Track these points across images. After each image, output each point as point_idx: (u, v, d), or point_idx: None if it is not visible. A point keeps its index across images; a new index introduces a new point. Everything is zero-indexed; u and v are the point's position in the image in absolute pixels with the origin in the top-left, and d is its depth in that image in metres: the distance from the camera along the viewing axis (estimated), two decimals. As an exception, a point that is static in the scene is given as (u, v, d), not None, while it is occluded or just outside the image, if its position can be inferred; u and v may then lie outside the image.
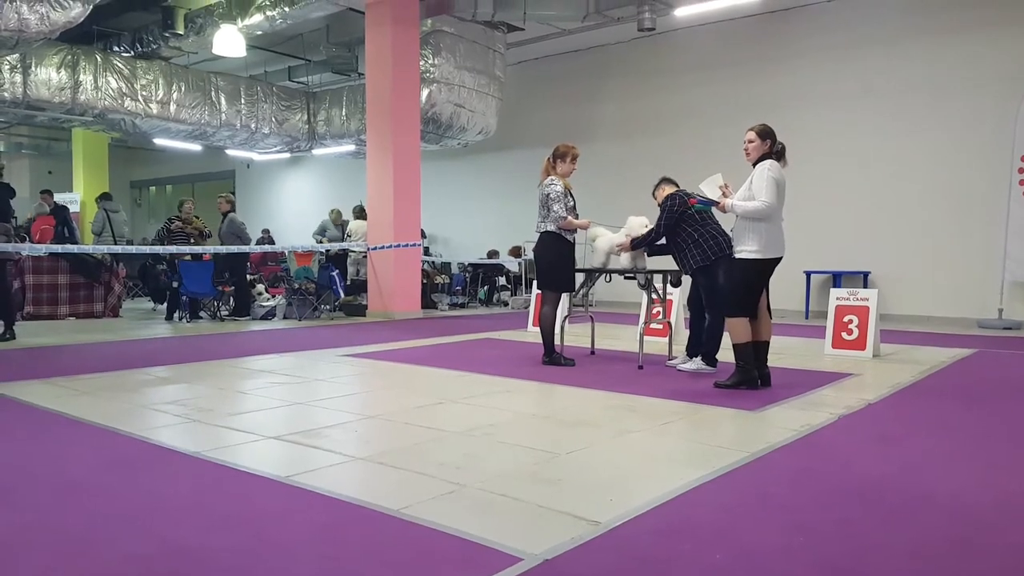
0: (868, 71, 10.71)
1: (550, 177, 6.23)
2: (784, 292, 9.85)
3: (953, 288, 10.06)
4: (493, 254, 14.20)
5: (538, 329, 8.65)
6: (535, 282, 6.85)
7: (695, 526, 2.58)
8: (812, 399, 4.82)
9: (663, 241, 6.02)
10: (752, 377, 5.07)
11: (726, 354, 5.48)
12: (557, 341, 6.83)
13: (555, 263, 6.20)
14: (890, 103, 10.55)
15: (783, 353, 6.71)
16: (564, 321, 7.01)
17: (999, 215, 9.59)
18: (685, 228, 5.82)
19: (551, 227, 6.12)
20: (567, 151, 6.26)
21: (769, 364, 5.27)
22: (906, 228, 10.42)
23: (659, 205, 6.16)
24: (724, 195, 5.15)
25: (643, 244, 6.08)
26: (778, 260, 5.06)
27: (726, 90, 11.97)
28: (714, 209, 5.32)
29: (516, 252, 13.72)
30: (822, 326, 7.41)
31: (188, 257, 10.11)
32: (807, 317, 10.87)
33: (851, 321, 6.88)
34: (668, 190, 6.11)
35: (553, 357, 6.23)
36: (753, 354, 5.09)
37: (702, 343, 5.92)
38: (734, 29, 11.84)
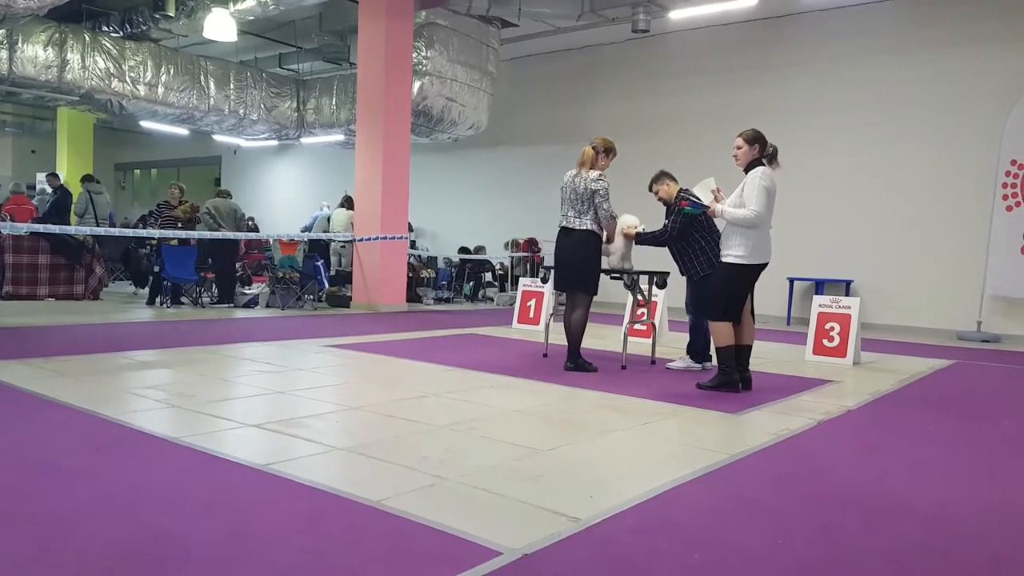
0: (856, 82, 10.80)
1: (596, 172, 5.72)
2: (767, 298, 9.92)
3: (934, 299, 10.18)
4: (480, 249, 14.18)
5: (524, 327, 8.74)
6: (552, 281, 6.11)
7: (674, 526, 2.59)
8: (792, 404, 4.86)
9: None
10: (733, 380, 5.10)
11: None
12: (542, 340, 6.87)
13: (593, 264, 5.81)
14: (877, 115, 10.64)
15: (764, 358, 6.75)
16: (550, 319, 7.02)
17: (981, 228, 9.71)
18: (693, 234, 5.88)
19: (591, 225, 5.71)
20: (613, 147, 5.87)
21: (751, 368, 5.31)
22: (890, 238, 10.53)
23: (659, 200, 6.16)
24: (716, 199, 5.17)
25: (650, 242, 6.06)
26: (764, 266, 5.09)
27: (718, 95, 12.02)
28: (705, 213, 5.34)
29: (528, 246, 13.58)
30: (804, 332, 7.47)
31: (174, 242, 10.02)
32: (789, 323, 10.95)
33: (833, 328, 6.94)
34: (672, 187, 6.09)
35: (579, 363, 5.81)
36: (735, 358, 5.12)
37: (701, 344, 6.06)
38: (728, 35, 11.89)
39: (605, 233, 5.85)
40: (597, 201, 5.67)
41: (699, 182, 5.31)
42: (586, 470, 3.23)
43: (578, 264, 5.78)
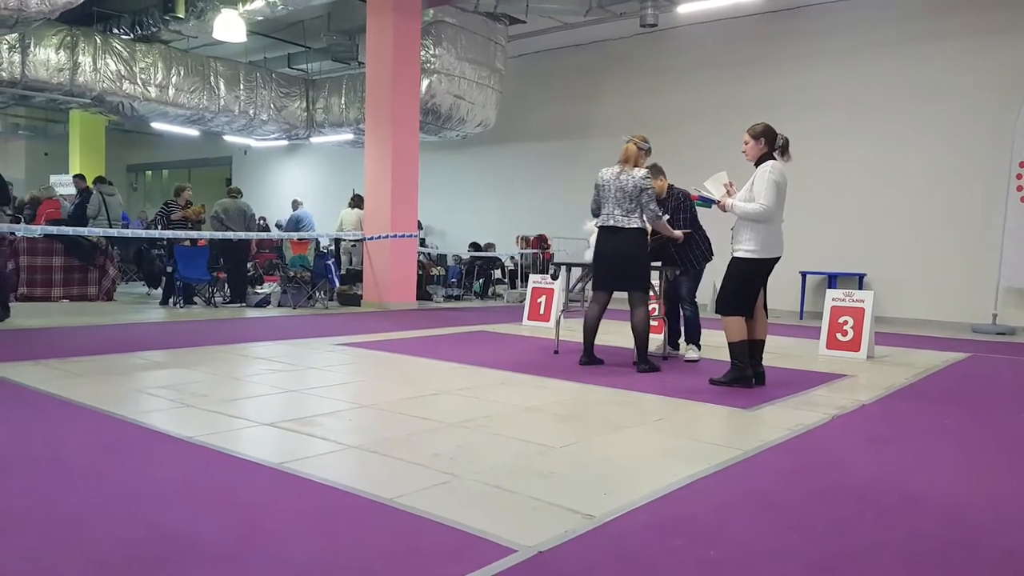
0: (868, 74, 10.71)
1: (643, 170, 5.64)
2: (779, 292, 9.85)
3: (948, 292, 10.09)
4: (489, 247, 14.18)
5: (535, 323, 8.73)
6: (594, 279, 5.92)
7: (689, 522, 2.58)
8: (806, 399, 4.83)
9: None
10: (747, 375, 5.07)
11: (716, 352, 5.50)
12: (553, 337, 6.87)
13: (647, 262, 5.79)
14: (889, 107, 10.55)
15: (777, 352, 6.71)
16: (560, 316, 7.01)
17: (996, 221, 9.61)
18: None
19: (640, 223, 5.62)
20: (650, 146, 5.83)
21: (764, 363, 5.28)
22: (903, 231, 10.44)
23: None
24: (728, 194, 5.15)
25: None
26: (775, 260, 5.06)
27: (726, 89, 11.95)
28: (715, 208, 5.32)
29: (537, 243, 13.59)
30: (816, 326, 7.42)
31: (187, 242, 10.07)
32: (802, 317, 10.89)
33: (846, 322, 6.89)
34: (663, 183, 6.31)
35: (652, 363, 5.73)
36: (748, 352, 5.09)
37: (681, 333, 6.52)
38: (736, 28, 11.82)
39: (651, 230, 5.82)
40: (645, 200, 5.58)
41: (711, 175, 5.29)
42: (599, 467, 3.22)
43: (634, 263, 5.67)
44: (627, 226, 5.59)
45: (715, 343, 7.12)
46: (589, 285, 7.05)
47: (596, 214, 5.81)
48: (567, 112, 13.94)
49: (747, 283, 5.04)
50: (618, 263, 5.69)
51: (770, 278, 5.19)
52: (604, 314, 5.95)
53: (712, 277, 11.51)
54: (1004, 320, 9.63)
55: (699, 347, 6.44)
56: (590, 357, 5.91)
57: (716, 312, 5.31)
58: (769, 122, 5.14)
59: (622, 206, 5.59)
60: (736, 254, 5.06)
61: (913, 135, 10.38)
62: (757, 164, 5.04)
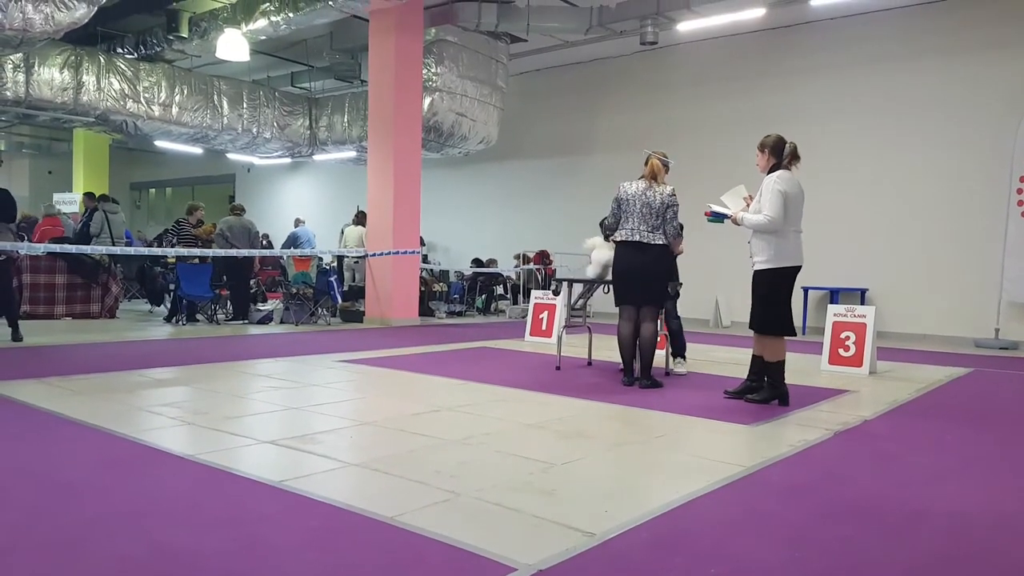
0: (868, 89, 10.77)
1: (671, 187, 5.64)
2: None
3: (950, 307, 10.08)
4: (491, 262, 14.20)
5: (537, 339, 8.73)
6: (616, 296, 5.81)
7: (690, 539, 2.57)
8: (808, 415, 4.82)
9: None
10: (782, 393, 5.06)
11: (704, 366, 5.48)
12: (555, 353, 6.86)
13: (666, 278, 5.80)
14: (890, 121, 10.60)
15: (780, 368, 6.70)
16: (562, 332, 7.01)
17: (997, 234, 9.62)
18: None
19: (663, 240, 5.58)
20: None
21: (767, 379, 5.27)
22: (905, 246, 10.45)
23: None
24: (747, 207, 5.16)
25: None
26: (796, 269, 5.06)
27: (727, 105, 12.02)
28: (727, 222, 5.30)
29: (539, 258, 13.60)
30: (818, 342, 7.41)
31: (197, 260, 10.11)
32: (804, 333, 10.84)
33: (848, 338, 6.89)
34: None
35: (654, 379, 5.70)
36: (784, 372, 5.08)
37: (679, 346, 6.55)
38: (736, 45, 11.90)
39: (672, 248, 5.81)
40: (669, 216, 5.56)
41: (729, 189, 5.28)
42: (600, 484, 3.21)
43: (656, 278, 5.66)
44: (654, 242, 5.55)
45: (702, 358, 7.15)
46: (591, 301, 7.07)
47: (612, 229, 5.73)
48: (568, 129, 14.01)
49: (776, 294, 5.00)
50: (644, 279, 5.63)
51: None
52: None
53: (714, 292, 11.63)
54: (1006, 335, 9.61)
55: (685, 359, 6.52)
56: (632, 377, 5.77)
57: (753, 329, 5.17)
58: (771, 135, 5.19)
59: (648, 222, 5.54)
60: (755, 267, 5.07)
61: (913, 149, 10.41)
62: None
